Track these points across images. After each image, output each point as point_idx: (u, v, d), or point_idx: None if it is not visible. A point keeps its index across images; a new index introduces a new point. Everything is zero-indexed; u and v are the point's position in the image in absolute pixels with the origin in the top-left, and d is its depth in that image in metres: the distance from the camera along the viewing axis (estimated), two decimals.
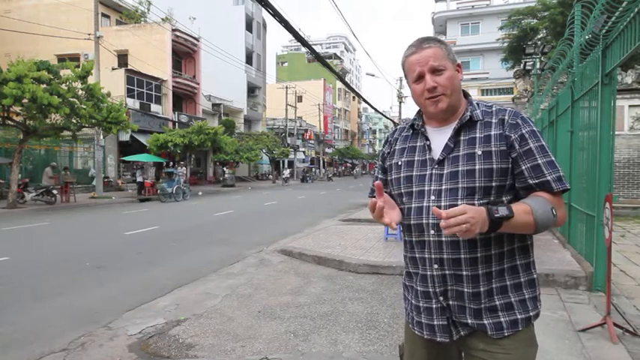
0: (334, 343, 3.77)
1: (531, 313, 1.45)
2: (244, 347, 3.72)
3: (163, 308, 4.80)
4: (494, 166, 1.39)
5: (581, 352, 3.45)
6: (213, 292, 5.36)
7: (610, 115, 4.77)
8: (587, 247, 5.48)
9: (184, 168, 23.32)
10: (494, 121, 1.45)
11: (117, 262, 7.13)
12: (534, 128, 1.43)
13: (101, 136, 20.35)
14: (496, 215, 1.28)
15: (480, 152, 1.41)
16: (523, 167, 1.39)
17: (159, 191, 19.68)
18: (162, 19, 30.55)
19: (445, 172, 1.44)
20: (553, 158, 1.41)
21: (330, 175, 49.81)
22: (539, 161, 1.39)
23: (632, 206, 12.39)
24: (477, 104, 1.51)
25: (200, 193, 24.22)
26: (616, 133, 6.55)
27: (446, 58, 1.44)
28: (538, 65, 15.81)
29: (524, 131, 1.41)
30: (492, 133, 1.42)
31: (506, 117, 1.44)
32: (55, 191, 16.91)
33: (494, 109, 1.48)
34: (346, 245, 7.79)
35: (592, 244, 5.12)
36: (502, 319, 1.42)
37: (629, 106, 13.14)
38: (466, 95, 1.53)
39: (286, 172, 40.05)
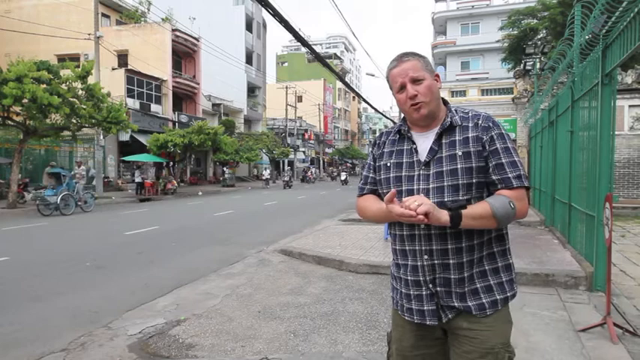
0: (334, 343, 3.77)
1: (508, 294, 1.64)
2: (244, 347, 3.72)
3: (163, 308, 4.80)
4: (474, 165, 1.57)
5: (581, 352, 3.45)
6: (213, 292, 5.36)
7: (610, 115, 4.77)
8: (587, 247, 5.48)
9: (83, 167, 16.95)
10: (470, 125, 1.62)
11: (117, 262, 7.13)
12: (502, 132, 1.62)
13: (101, 136, 20.35)
14: (452, 205, 1.51)
15: (460, 153, 1.59)
16: (490, 165, 1.58)
17: (37, 200, 13.90)
18: (162, 19, 30.54)
19: (431, 172, 1.61)
20: (516, 159, 1.59)
21: (335, 175, 46.84)
22: (503, 160, 1.58)
23: (632, 206, 12.39)
24: (455, 110, 1.67)
25: (200, 193, 24.23)
26: (616, 133, 6.55)
27: (424, 70, 1.61)
28: (538, 65, 15.81)
29: (493, 133, 1.60)
30: (470, 135, 1.60)
31: (480, 121, 1.62)
32: None
33: (470, 114, 1.65)
34: (346, 245, 7.79)
35: (592, 244, 5.12)
36: (484, 300, 1.60)
37: (629, 106, 13.15)
38: (445, 103, 1.70)
39: (266, 173, 33.79)
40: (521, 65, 20.16)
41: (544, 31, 22.25)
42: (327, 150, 62.58)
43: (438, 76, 1.65)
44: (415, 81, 1.59)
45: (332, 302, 4.93)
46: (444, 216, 1.48)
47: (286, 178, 32.09)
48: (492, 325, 1.59)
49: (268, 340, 3.85)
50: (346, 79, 57.09)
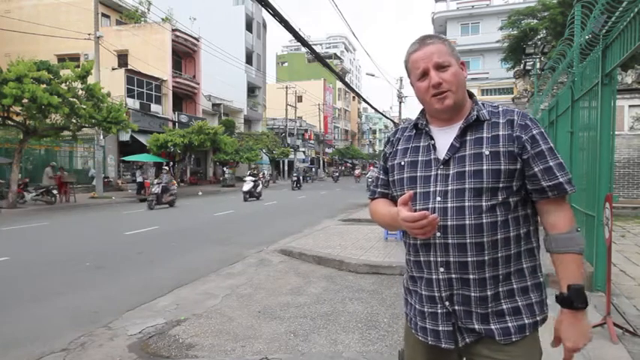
0: (334, 343, 3.77)
1: (538, 318, 1.43)
2: (244, 347, 3.72)
3: (163, 308, 4.80)
4: (502, 167, 1.37)
5: (581, 352, 3.44)
6: (213, 292, 5.36)
7: (610, 115, 4.77)
8: (587, 247, 5.46)
9: None
10: (501, 121, 1.41)
11: (117, 262, 7.13)
12: (542, 130, 1.42)
13: (101, 136, 20.35)
14: (580, 305, 1.35)
15: (487, 152, 1.38)
16: (536, 169, 1.37)
17: None
18: (163, 19, 30.55)
19: (451, 172, 1.40)
20: (562, 161, 1.39)
21: (337, 175, 43.34)
22: (551, 163, 1.37)
23: (632, 206, 12.38)
24: (483, 104, 1.48)
25: (200, 193, 24.22)
26: (616, 133, 6.54)
27: (450, 55, 1.41)
28: (538, 65, 15.82)
29: (534, 132, 1.39)
30: (500, 133, 1.39)
31: (516, 118, 1.41)
32: (54, 191, 16.91)
33: (500, 109, 1.45)
34: (346, 245, 7.79)
35: (592, 244, 5.12)
36: (510, 324, 1.39)
37: (629, 106, 13.14)
38: (471, 95, 1.51)
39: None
40: (521, 65, 20.18)
41: (544, 31, 22.25)
42: (327, 150, 62.59)
43: (463, 63, 1.45)
44: (440, 67, 1.39)
45: (332, 302, 4.93)
46: (581, 318, 1.36)
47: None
48: (517, 355, 1.37)
49: (268, 340, 3.85)
50: (346, 79, 57.07)
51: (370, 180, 23.37)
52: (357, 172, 44.68)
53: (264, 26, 48.42)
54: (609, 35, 4.56)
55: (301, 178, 31.17)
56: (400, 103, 45.39)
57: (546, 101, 11.12)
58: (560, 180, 1.36)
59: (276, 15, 10.52)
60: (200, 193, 24.17)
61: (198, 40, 33.32)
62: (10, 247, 8.56)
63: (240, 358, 3.53)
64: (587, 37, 5.32)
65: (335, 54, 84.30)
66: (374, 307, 4.73)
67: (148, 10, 33.18)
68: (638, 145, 12.99)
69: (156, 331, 4.11)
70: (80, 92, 16.29)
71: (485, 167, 1.36)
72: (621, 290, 5.03)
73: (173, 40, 30.52)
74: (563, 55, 7.33)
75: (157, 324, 4.30)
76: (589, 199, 5.31)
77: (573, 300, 1.34)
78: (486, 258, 1.37)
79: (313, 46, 20.07)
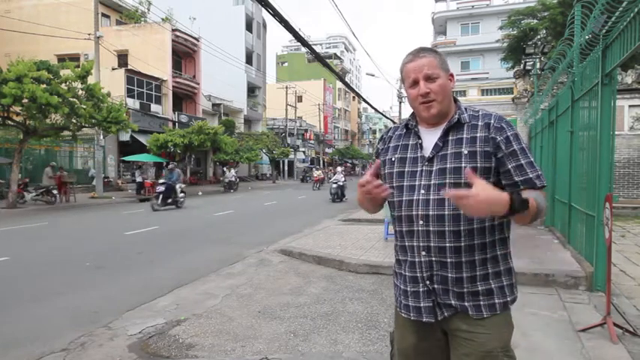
0: (334, 343, 3.77)
1: (508, 299, 1.62)
2: (244, 347, 3.72)
3: (163, 308, 4.80)
4: (478, 165, 1.56)
5: (581, 352, 3.45)
6: (213, 292, 5.36)
7: (610, 115, 4.77)
8: (587, 247, 5.48)
9: None
10: (480, 124, 1.60)
11: (117, 262, 7.13)
12: (516, 132, 1.61)
13: (101, 136, 20.35)
14: (517, 205, 1.42)
15: (466, 152, 1.57)
16: (509, 166, 1.56)
17: None
18: (163, 19, 30.55)
19: (434, 168, 1.60)
20: (532, 159, 1.58)
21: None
22: (522, 161, 1.56)
23: (632, 206, 12.39)
24: (465, 109, 1.66)
25: (200, 193, 24.21)
26: (616, 133, 6.54)
27: (439, 68, 1.59)
28: (538, 65, 15.81)
29: (509, 134, 1.58)
30: (478, 135, 1.59)
31: (492, 121, 1.60)
32: (54, 191, 16.90)
33: (480, 113, 1.64)
34: (346, 245, 7.79)
35: (592, 244, 5.12)
36: (482, 303, 1.58)
37: (629, 106, 13.15)
38: (455, 100, 1.69)
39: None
40: (521, 65, 20.16)
41: (544, 31, 22.26)
42: (327, 150, 62.57)
43: (452, 75, 1.64)
44: (429, 78, 1.58)
45: (332, 302, 4.93)
46: (502, 200, 1.39)
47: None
48: (491, 329, 1.57)
49: (268, 340, 3.85)
50: (346, 79, 57.03)
51: (335, 186, 19.41)
52: (315, 174, 30.92)
53: (264, 26, 48.43)
54: (609, 35, 4.56)
55: (178, 187, 16.34)
56: (400, 103, 45.36)
57: (546, 101, 11.11)
58: (530, 176, 1.56)
59: (276, 15, 10.52)
60: (200, 193, 24.16)
61: (198, 40, 33.32)
62: (10, 247, 8.56)
63: (240, 358, 3.53)
64: (587, 37, 5.33)
65: (335, 54, 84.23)
66: (374, 307, 4.73)
67: (148, 10, 33.17)
68: (638, 145, 13.01)
69: (156, 331, 4.11)
70: (80, 92, 16.27)
71: (463, 165, 1.55)
72: (621, 290, 5.03)
73: (173, 40, 30.52)
74: (563, 55, 7.33)
75: (157, 324, 4.30)
76: (589, 199, 5.31)
77: (515, 197, 1.41)
78: (463, 244, 1.57)
79: (313, 46, 20.05)
